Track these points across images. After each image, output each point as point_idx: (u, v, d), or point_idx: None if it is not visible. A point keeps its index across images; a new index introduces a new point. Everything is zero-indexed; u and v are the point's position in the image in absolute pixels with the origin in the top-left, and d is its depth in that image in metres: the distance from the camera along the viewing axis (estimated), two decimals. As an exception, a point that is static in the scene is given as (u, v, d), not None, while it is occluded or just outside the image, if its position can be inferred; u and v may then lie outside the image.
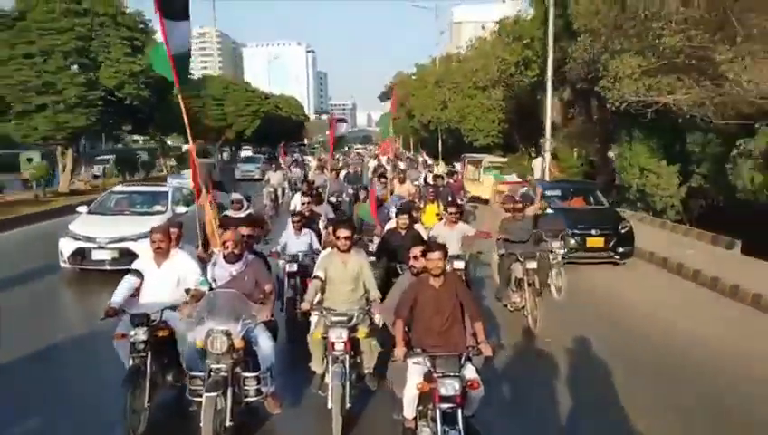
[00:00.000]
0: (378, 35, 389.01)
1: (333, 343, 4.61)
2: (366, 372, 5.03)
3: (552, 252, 8.00)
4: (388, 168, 17.25)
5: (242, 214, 8.16)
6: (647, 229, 14.00)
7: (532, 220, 8.12)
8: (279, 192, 18.15)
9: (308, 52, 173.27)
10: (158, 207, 10.81)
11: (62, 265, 9.66)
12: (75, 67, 19.59)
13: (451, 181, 14.85)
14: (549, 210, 9.03)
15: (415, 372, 3.98)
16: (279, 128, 47.05)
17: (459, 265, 7.35)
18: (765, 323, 7.91)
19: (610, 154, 19.57)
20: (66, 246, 9.64)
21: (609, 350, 6.68)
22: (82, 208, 10.75)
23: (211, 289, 4.65)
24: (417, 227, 7.47)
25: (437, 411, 3.75)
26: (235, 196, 8.59)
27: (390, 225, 7.49)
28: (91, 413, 5.05)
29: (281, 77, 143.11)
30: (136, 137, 44.77)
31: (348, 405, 4.62)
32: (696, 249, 11.82)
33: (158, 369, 4.80)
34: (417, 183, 15.91)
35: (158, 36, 5.85)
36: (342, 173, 18.08)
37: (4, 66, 18.86)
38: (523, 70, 23.61)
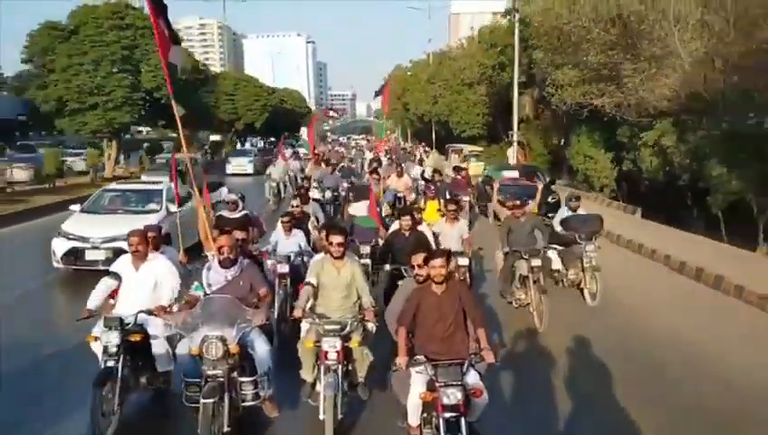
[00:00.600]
0: (377, 25, 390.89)
1: (326, 353, 4.56)
2: (359, 380, 4.97)
3: (585, 255, 8.14)
4: (384, 160, 17.90)
5: (237, 215, 8.06)
6: (583, 202, 18.16)
7: (534, 218, 8.26)
8: (281, 186, 17.97)
9: (308, 42, 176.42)
10: (151, 206, 10.66)
11: (55, 265, 9.57)
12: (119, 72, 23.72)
13: (458, 177, 14.33)
14: (580, 210, 9.00)
15: (417, 381, 4.01)
16: (284, 120, 51.21)
17: (463, 261, 7.57)
18: (642, 262, 11.79)
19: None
20: (59, 246, 9.52)
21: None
22: (75, 207, 10.66)
23: (206, 294, 4.63)
24: (422, 227, 7.45)
25: (440, 420, 3.79)
26: (230, 196, 8.43)
27: (394, 227, 7.39)
28: (62, 415, 5.06)
29: (281, 68, 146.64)
30: (140, 128, 49.06)
31: (340, 416, 4.62)
32: (610, 216, 15.96)
33: (131, 372, 4.84)
34: (414, 176, 15.94)
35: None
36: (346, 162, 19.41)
37: (64, 73, 23.03)
38: (499, 72, 27.67)
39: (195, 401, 4.20)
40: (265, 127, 47.01)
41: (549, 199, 15.27)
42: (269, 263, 6.94)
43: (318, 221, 8.97)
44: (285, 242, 7.30)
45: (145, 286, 5.05)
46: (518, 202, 8.14)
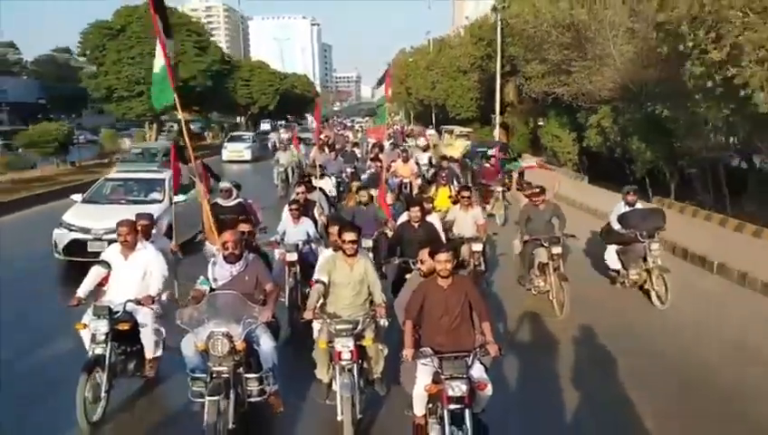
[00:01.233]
0: (382, 6, 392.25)
1: (340, 353, 4.55)
2: (375, 377, 4.98)
3: (650, 254, 7.76)
4: (387, 145, 18.05)
5: (231, 202, 7.98)
6: (546, 173, 22.55)
7: (553, 207, 8.17)
8: (289, 172, 18.04)
9: (313, 25, 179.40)
10: (154, 195, 10.56)
11: (57, 256, 9.51)
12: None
13: (489, 166, 14.36)
14: (638, 205, 8.36)
15: (423, 373, 4.12)
16: (295, 103, 55.56)
17: (477, 247, 7.74)
18: (583, 216, 16.08)
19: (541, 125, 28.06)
20: (60, 238, 9.47)
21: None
22: (76, 197, 10.63)
23: (212, 289, 4.66)
24: (432, 217, 7.40)
25: (445, 412, 3.89)
26: (224, 184, 8.25)
27: (403, 218, 7.34)
28: (49, 402, 5.20)
29: (286, 50, 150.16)
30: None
31: (359, 416, 4.64)
32: (564, 183, 20.36)
33: (118, 360, 4.99)
34: (423, 163, 16.29)
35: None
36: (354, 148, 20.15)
37: (115, 65, 27.45)
38: (488, 62, 31.82)
39: (200, 396, 4.24)
40: (277, 110, 51.47)
41: (520, 178, 19.80)
42: (277, 252, 7.10)
43: (323, 209, 9.01)
44: (294, 230, 7.33)
45: (133, 276, 5.18)
46: (537, 190, 8.18)
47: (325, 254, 5.65)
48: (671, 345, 6.81)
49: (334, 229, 5.43)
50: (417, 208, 6.72)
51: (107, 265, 5.24)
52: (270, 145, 31.70)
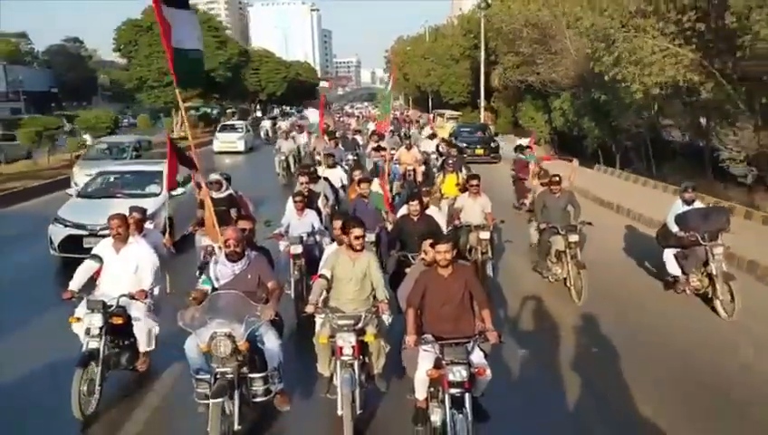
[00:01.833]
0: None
1: (341, 348, 4.61)
2: (376, 372, 5.03)
3: (713, 259, 7.18)
4: (387, 134, 20.19)
5: (222, 194, 7.93)
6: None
7: (569, 195, 8.24)
8: (291, 160, 18.12)
9: (312, 11, 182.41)
10: (151, 189, 10.47)
11: (52, 253, 9.48)
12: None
13: (522, 157, 13.88)
14: (697, 203, 7.80)
15: (425, 358, 4.29)
16: (299, 90, 59.75)
17: (485, 235, 7.89)
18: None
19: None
20: (56, 234, 9.43)
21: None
22: (72, 191, 10.69)
23: (214, 288, 4.67)
24: (432, 210, 7.43)
25: (446, 395, 4.09)
26: (214, 176, 8.16)
27: (403, 211, 7.44)
28: (43, 396, 5.30)
29: (287, 36, 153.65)
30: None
31: (359, 411, 4.69)
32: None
33: (112, 353, 5.12)
34: (431, 151, 16.61)
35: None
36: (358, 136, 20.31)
37: (146, 59, 31.73)
38: (475, 52, 36.02)
39: (205, 398, 4.26)
40: (283, 96, 55.76)
41: (491, 145, 24.10)
42: (282, 245, 7.19)
43: (327, 199, 9.06)
44: (298, 222, 7.39)
45: (125, 270, 5.27)
46: (554, 178, 8.27)
47: (330, 248, 5.81)
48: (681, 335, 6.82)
49: (338, 223, 5.53)
50: (416, 202, 6.80)
51: (99, 258, 5.31)
52: (263, 134, 32.29)
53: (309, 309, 4.80)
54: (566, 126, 24.19)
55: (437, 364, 4.21)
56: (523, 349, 6.44)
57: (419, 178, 13.33)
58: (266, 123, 34.87)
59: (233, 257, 4.74)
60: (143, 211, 6.10)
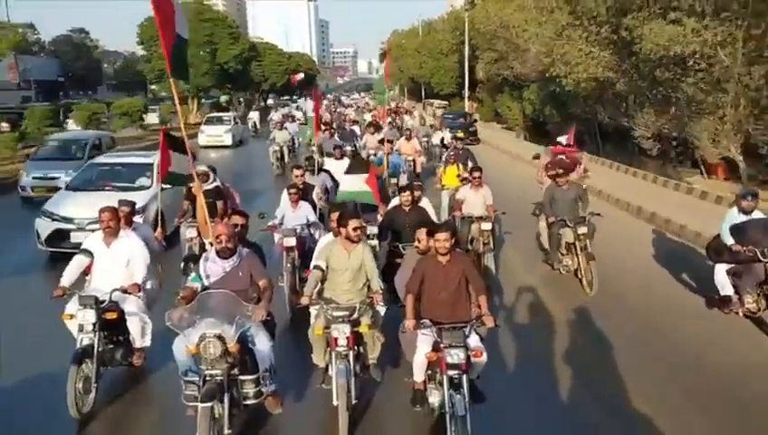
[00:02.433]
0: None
1: (336, 339, 4.68)
2: (370, 362, 5.11)
3: None
4: (386, 127, 17.67)
5: (209, 186, 7.81)
6: (499, 134, 31.35)
7: (577, 187, 8.45)
8: (285, 150, 18.42)
9: (310, 1, 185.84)
10: (142, 181, 10.42)
11: (39, 247, 9.43)
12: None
13: (563, 158, 11.01)
14: (757, 213, 6.76)
15: (424, 342, 4.52)
16: (299, 80, 63.92)
17: (487, 226, 8.22)
18: (517, 163, 25.01)
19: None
20: (43, 228, 9.35)
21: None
22: (61, 183, 10.58)
23: (204, 287, 4.59)
24: (423, 202, 7.49)
25: (444, 378, 4.31)
26: (201, 168, 7.97)
27: (394, 202, 7.53)
28: (39, 394, 5.28)
29: (284, 27, 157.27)
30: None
31: (354, 401, 4.77)
32: (508, 140, 29.16)
33: (106, 349, 5.10)
34: (431, 141, 17.12)
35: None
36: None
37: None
38: (462, 48, 40.39)
39: (194, 400, 4.18)
40: (283, 87, 60.03)
41: (471, 129, 28.57)
42: (276, 237, 7.35)
43: (328, 192, 9.19)
44: (292, 215, 7.49)
45: (117, 264, 5.28)
46: (560, 171, 8.40)
47: (324, 239, 5.84)
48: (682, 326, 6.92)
49: (335, 216, 5.48)
50: (407, 193, 6.91)
51: (89, 253, 5.28)
52: (250, 126, 31.86)
53: (304, 300, 4.87)
54: (534, 113, 28.66)
55: (436, 347, 4.41)
56: (536, 319, 7.10)
57: (419, 170, 13.52)
58: (254, 115, 34.15)
59: (224, 254, 4.64)
60: (132, 205, 6.08)
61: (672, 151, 18.08)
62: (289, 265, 7.10)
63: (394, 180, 11.99)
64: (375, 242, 7.09)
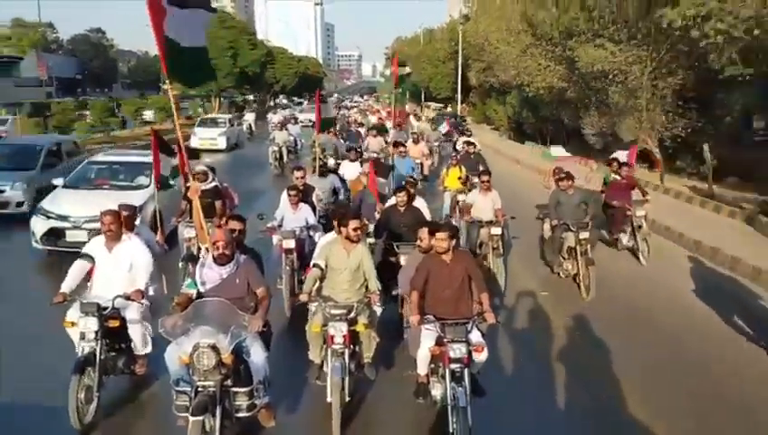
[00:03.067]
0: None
1: (332, 337, 4.84)
2: (365, 361, 5.30)
3: None
4: (393, 130, 18.13)
5: (207, 186, 7.93)
6: (487, 134, 36.31)
7: (582, 192, 8.76)
8: (284, 151, 18.88)
9: (316, 5, 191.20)
10: (140, 180, 10.37)
11: (35, 245, 9.42)
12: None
13: (618, 178, 10.17)
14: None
15: (427, 336, 4.76)
16: (307, 82, 69.06)
17: (496, 231, 8.30)
18: (503, 160, 29.80)
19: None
20: (38, 226, 9.35)
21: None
22: (58, 181, 10.45)
23: (199, 293, 4.54)
24: (418, 202, 7.70)
25: (447, 371, 4.55)
26: (199, 167, 8.18)
27: (390, 202, 7.73)
28: (40, 401, 5.19)
29: (291, 29, 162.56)
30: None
31: (347, 398, 4.90)
32: (495, 140, 34.05)
33: (109, 358, 5.07)
34: (435, 144, 17.60)
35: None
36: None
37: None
38: (457, 57, 45.39)
39: (185, 410, 4.17)
40: (293, 88, 65.13)
41: (460, 127, 33.48)
42: (275, 239, 7.48)
43: (336, 193, 9.48)
44: (292, 217, 7.58)
45: (119, 269, 5.25)
46: (564, 175, 8.68)
47: (325, 238, 6.12)
48: (685, 331, 7.27)
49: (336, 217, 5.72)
50: (403, 193, 7.14)
51: (90, 258, 5.27)
52: (245, 128, 31.36)
53: (303, 298, 5.08)
54: (515, 116, 33.58)
55: (439, 342, 4.66)
56: (544, 292, 7.90)
57: (426, 172, 13.94)
58: (250, 117, 33.71)
59: (221, 260, 4.58)
60: (133, 209, 6.02)
61: (613, 147, 22.91)
62: (288, 267, 7.15)
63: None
64: (372, 239, 7.26)
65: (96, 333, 4.87)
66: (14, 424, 5.06)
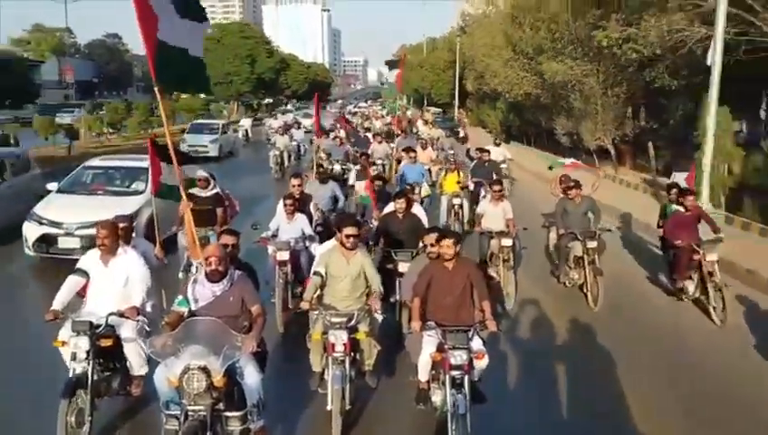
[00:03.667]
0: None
1: (333, 345, 4.89)
2: (366, 369, 5.37)
3: None
4: (399, 137, 18.12)
5: (208, 193, 7.97)
6: (481, 136, 40.94)
7: (589, 201, 8.63)
8: (285, 156, 19.01)
9: (323, 11, 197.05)
10: (136, 186, 10.26)
11: (27, 251, 9.39)
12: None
13: (681, 210, 8.25)
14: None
15: (429, 343, 4.82)
16: (317, 88, 73.91)
17: (507, 242, 8.16)
18: None
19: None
20: (30, 232, 9.32)
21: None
22: (52, 186, 10.43)
23: (191, 312, 4.43)
24: (416, 209, 7.75)
25: (447, 378, 4.61)
26: (201, 173, 8.17)
27: (389, 208, 7.71)
28: (28, 425, 5.04)
29: (298, 35, 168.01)
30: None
31: (348, 406, 4.97)
32: (486, 141, 38.69)
33: (102, 378, 4.87)
34: (450, 152, 16.87)
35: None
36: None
37: (218, 64, 45.86)
38: (455, 65, 50.21)
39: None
40: (303, 93, 70.06)
41: (454, 130, 38.16)
42: (270, 250, 7.37)
43: (336, 201, 9.39)
44: (287, 227, 7.43)
45: (115, 284, 5.08)
46: (572, 183, 8.67)
47: (325, 245, 6.14)
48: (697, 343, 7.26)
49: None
50: (402, 200, 7.19)
51: (84, 273, 5.11)
52: (241, 134, 30.41)
53: (304, 305, 5.16)
54: (503, 120, 38.25)
55: (440, 348, 4.72)
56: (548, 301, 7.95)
57: (434, 178, 13.96)
58: (246, 122, 32.77)
59: (214, 277, 4.46)
60: (130, 219, 5.94)
61: (580, 145, 27.52)
62: (281, 280, 6.99)
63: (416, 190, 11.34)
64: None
65: (88, 352, 4.66)
66: None
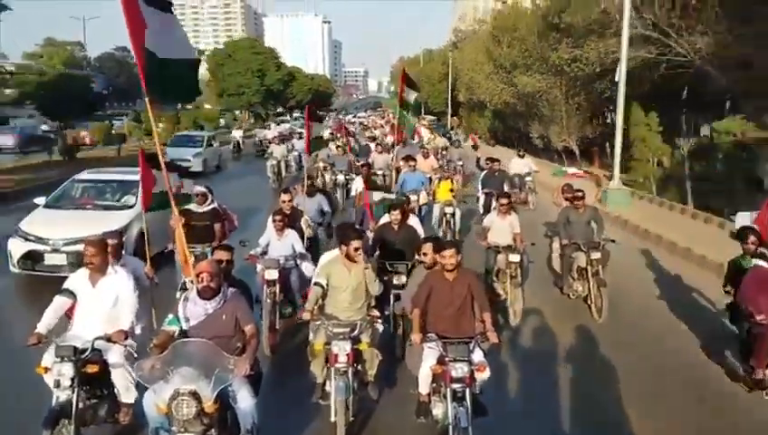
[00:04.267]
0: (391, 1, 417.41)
1: (336, 356, 4.90)
2: (368, 380, 5.37)
3: None
4: (398, 146, 17.19)
5: (206, 208, 7.91)
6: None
7: (592, 211, 8.63)
8: (282, 166, 19.16)
9: (324, 23, 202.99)
10: (126, 200, 10.10)
11: (12, 269, 9.22)
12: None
13: (761, 264, 6.09)
14: None
15: (429, 355, 4.83)
16: (320, 98, 79.05)
17: (514, 258, 8.00)
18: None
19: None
20: (16, 248, 9.17)
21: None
22: (40, 200, 10.24)
23: (182, 331, 4.34)
24: (412, 220, 7.76)
25: (449, 390, 4.62)
26: (198, 188, 8.13)
27: (384, 220, 7.74)
28: None
29: (299, 47, 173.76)
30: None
31: (351, 418, 5.01)
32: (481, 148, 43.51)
33: (88, 406, 4.69)
34: (459, 163, 17.97)
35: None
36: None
37: (231, 77, 50.86)
38: (448, 77, 55.17)
39: None
40: (304, 104, 75.34)
41: (447, 136, 42.94)
42: (259, 267, 7.16)
43: (323, 214, 9.45)
44: (277, 243, 7.29)
45: (103, 305, 4.94)
46: (578, 193, 8.60)
47: (326, 256, 6.09)
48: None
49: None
50: (397, 212, 7.21)
51: (71, 294, 4.96)
52: (232, 146, 29.48)
53: (305, 316, 5.19)
54: (490, 127, 43.16)
55: (440, 361, 4.72)
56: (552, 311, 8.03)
57: (434, 186, 13.51)
58: (237, 133, 31.46)
59: (206, 294, 4.37)
60: (119, 235, 5.81)
61: (550, 146, 32.35)
62: (269, 300, 6.82)
63: (414, 198, 11.30)
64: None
65: (72, 380, 4.42)
66: None
